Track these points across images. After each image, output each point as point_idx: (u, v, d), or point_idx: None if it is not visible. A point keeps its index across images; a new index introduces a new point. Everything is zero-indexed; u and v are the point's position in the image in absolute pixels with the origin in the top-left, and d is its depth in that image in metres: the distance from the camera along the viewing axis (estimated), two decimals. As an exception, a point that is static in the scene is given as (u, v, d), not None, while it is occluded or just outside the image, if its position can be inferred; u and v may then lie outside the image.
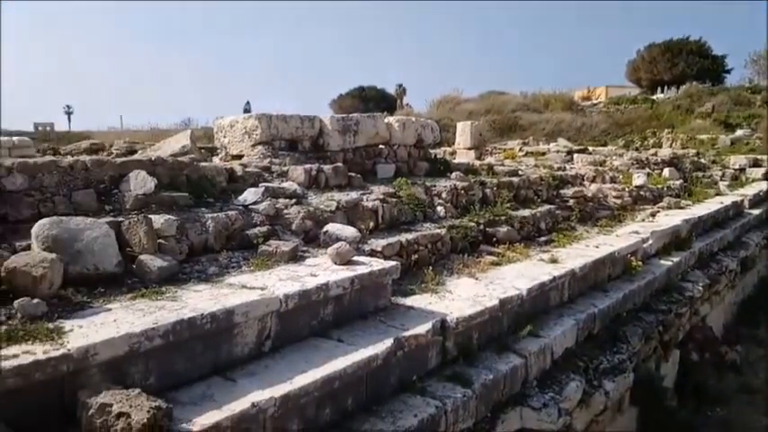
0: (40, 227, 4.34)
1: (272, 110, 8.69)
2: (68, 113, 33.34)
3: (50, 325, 3.68)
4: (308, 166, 7.96)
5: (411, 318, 5.57)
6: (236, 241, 5.85)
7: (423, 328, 5.27)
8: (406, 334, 5.12)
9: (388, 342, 4.89)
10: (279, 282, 4.98)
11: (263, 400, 3.80)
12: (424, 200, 8.48)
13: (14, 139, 7.77)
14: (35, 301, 3.81)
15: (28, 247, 4.31)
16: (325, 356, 4.53)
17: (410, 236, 7.29)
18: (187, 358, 4.03)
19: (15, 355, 3.25)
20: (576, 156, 17.22)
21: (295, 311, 4.77)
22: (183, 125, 24.40)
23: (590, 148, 18.91)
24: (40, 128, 25.16)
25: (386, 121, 9.97)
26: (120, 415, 3.14)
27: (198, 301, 4.37)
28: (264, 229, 6.11)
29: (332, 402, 4.41)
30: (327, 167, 8.10)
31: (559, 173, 12.97)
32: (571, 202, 11.52)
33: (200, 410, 3.60)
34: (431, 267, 6.86)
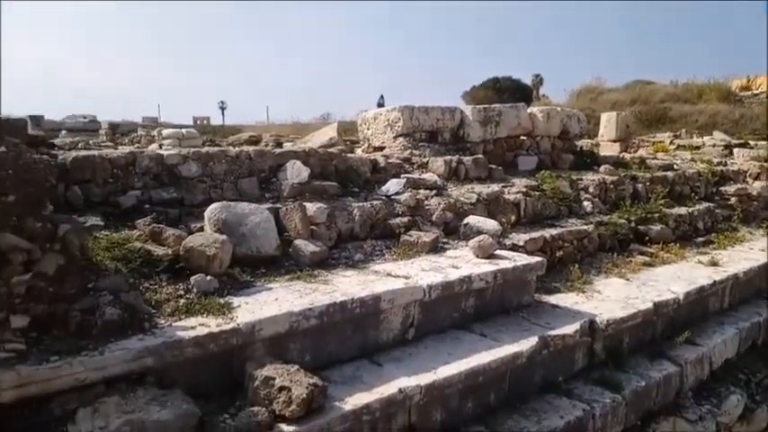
0: (211, 211, 4.75)
1: (402, 103, 8.76)
2: (222, 108, 36.35)
3: (221, 300, 4.02)
4: (447, 157, 7.95)
5: (556, 316, 5.39)
6: (379, 230, 6.00)
7: (570, 328, 5.09)
8: (552, 333, 4.97)
9: (533, 340, 4.78)
10: (422, 272, 5.04)
11: (410, 387, 3.87)
12: (569, 194, 8.12)
13: (183, 130, 8.61)
14: (208, 277, 4.18)
15: (201, 229, 4.73)
16: (468, 349, 4.52)
17: (554, 231, 7.03)
18: (338, 339, 4.22)
19: (193, 327, 3.60)
20: (735, 150, 15.55)
21: (437, 302, 4.81)
22: (321, 119, 25.47)
23: (751, 142, 16.96)
24: (198, 121, 27.58)
25: (528, 111, 9.67)
26: (281, 389, 3.35)
27: (348, 285, 4.55)
28: (406, 219, 6.20)
29: (474, 396, 4.40)
30: (467, 159, 8.04)
31: (719, 168, 11.80)
32: (733, 200, 10.45)
33: (350, 390, 3.75)
34: (576, 265, 6.57)
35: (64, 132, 10.61)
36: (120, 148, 6.19)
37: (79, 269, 3.45)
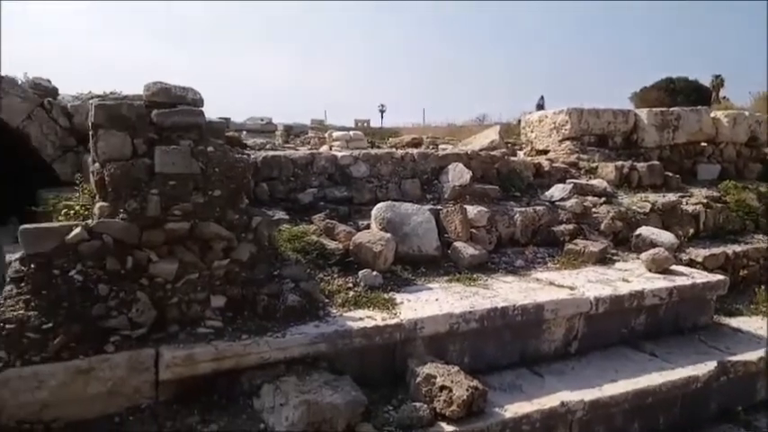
0: (378, 209, 4.98)
1: (563, 105, 8.41)
2: (382, 111, 37.61)
3: (386, 296, 4.20)
4: (618, 163, 7.51)
5: (738, 341, 4.90)
6: (542, 236, 5.85)
7: (752, 355, 4.62)
8: (733, 359, 4.52)
9: (711, 364, 4.38)
10: (588, 283, 4.83)
11: (573, 402, 3.75)
12: (756, 207, 7.27)
13: (351, 133, 9.08)
14: (374, 273, 4.39)
15: (368, 227, 4.98)
16: (637, 369, 4.27)
17: (738, 248, 6.35)
18: (497, 345, 4.20)
19: (361, 318, 3.81)
20: None
21: (604, 316, 4.59)
22: (477, 121, 25.27)
23: None
24: (358, 123, 28.82)
25: (711, 115, 8.80)
26: (442, 388, 3.42)
27: (508, 291, 4.51)
28: (571, 226, 5.98)
29: (641, 418, 4.14)
30: (641, 165, 7.53)
31: None
32: None
33: (509, 398, 3.72)
34: (763, 287, 5.89)
35: (245, 133, 11.71)
36: (299, 149, 6.73)
37: (267, 257, 3.81)
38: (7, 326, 2.93)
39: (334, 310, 3.88)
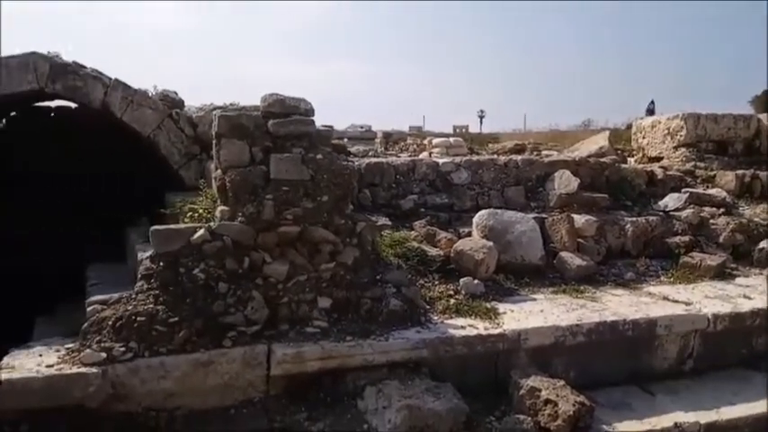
0: (480, 217, 4.95)
1: (675, 110, 7.89)
2: (481, 117, 37.21)
3: (487, 305, 4.16)
4: (739, 171, 6.98)
5: None
6: (654, 248, 5.56)
7: None
8: None
9: None
10: (705, 298, 4.54)
11: (687, 423, 3.54)
12: None
13: (451, 139, 9.09)
14: (475, 281, 4.37)
15: (469, 234, 4.96)
16: (758, 392, 3.95)
17: None
18: (605, 361, 4.04)
19: (463, 327, 3.80)
20: None
21: (723, 334, 4.29)
22: (582, 126, 24.32)
23: None
24: (457, 130, 28.72)
25: None
26: (547, 401, 3.34)
27: (617, 305, 4.33)
28: (686, 238, 5.63)
29: (766, 447, 3.81)
30: (764, 174, 6.94)
31: None
32: None
33: (618, 416, 3.56)
34: None
35: (346, 140, 12.04)
36: (400, 156, 6.82)
37: (370, 262, 3.91)
38: (138, 318, 3.21)
39: (436, 317, 3.90)
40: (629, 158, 8.17)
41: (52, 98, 5.62)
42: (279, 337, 3.44)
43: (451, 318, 3.94)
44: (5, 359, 3.11)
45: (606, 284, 4.85)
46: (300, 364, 3.34)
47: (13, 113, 7.10)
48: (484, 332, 3.74)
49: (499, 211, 5.10)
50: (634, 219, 5.66)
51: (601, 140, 7.68)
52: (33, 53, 4.67)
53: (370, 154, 6.48)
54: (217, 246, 3.49)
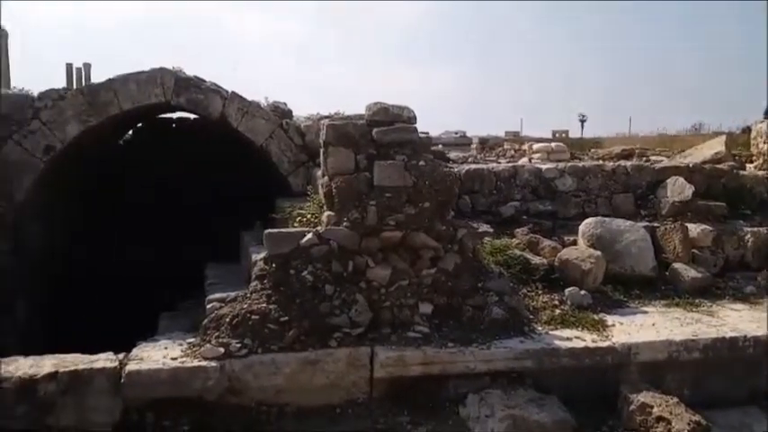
0: (586, 225, 4.79)
1: None
2: (582, 121, 35.78)
3: (595, 316, 4.02)
4: None
5: None
6: (779, 261, 5.12)
7: None
8: None
9: None
10: (840, 317, 4.12)
11: (821, 454, 3.23)
12: None
13: (552, 144, 8.84)
14: (582, 291, 4.23)
15: (574, 242, 4.81)
16: None
17: None
18: (723, 379, 3.78)
19: (569, 338, 3.70)
20: None
21: None
22: (693, 130, 22.78)
23: None
24: (556, 134, 27.84)
25: None
26: (659, 419, 3.18)
27: (737, 320, 4.05)
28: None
29: None
30: None
31: None
32: None
33: (739, 440, 3.33)
34: None
35: (440, 147, 12.02)
36: (500, 162, 6.73)
37: (471, 269, 3.90)
38: (253, 317, 3.40)
39: (540, 327, 3.83)
40: (747, 165, 7.56)
41: (174, 110, 6.07)
42: (381, 340, 3.51)
43: (557, 329, 3.85)
44: (134, 350, 3.39)
45: (724, 298, 4.55)
46: (403, 367, 3.39)
47: (139, 125, 7.74)
48: (592, 344, 3.62)
49: (607, 219, 4.92)
50: (755, 229, 5.27)
51: (717, 145, 7.17)
52: (161, 69, 5.09)
53: (469, 160, 6.46)
54: (324, 249, 3.63)
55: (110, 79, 5.03)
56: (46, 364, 3.17)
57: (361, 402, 3.41)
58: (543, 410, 3.17)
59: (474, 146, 16.12)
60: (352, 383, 3.42)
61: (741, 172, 6.25)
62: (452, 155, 6.72)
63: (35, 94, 5.03)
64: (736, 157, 7.78)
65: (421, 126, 4.04)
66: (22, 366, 3.17)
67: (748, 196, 5.89)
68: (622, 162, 5.87)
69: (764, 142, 7.68)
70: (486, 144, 15.77)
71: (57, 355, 3.31)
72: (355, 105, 4.00)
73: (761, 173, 6.66)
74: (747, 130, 9.21)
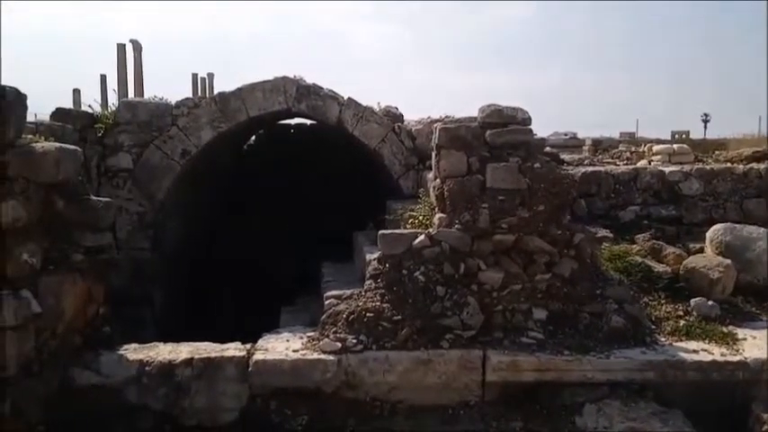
0: (714, 231, 4.48)
1: None
2: (705, 121, 33.05)
3: (724, 329, 3.76)
4: None
5: None
6: None
7: None
8: None
9: None
10: None
11: None
12: None
13: (675, 146, 8.28)
14: (710, 302, 3.96)
15: (701, 250, 4.51)
16: None
17: None
18: None
19: (695, 351, 3.49)
20: None
21: None
22: (840, 128, 20.42)
23: None
24: (676, 135, 26.05)
25: None
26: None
27: None
28: None
29: None
30: None
31: None
32: None
33: None
34: None
35: (548, 149, 11.64)
36: (618, 164, 6.44)
37: (589, 275, 3.78)
38: (368, 314, 3.51)
39: (662, 338, 3.64)
40: None
41: (294, 116, 6.40)
42: (493, 343, 3.50)
43: (681, 340, 3.64)
44: (260, 342, 3.62)
45: None
46: (516, 372, 3.36)
47: (260, 131, 8.21)
48: (720, 358, 3.40)
49: (737, 225, 4.56)
50: None
51: None
52: (284, 77, 5.39)
53: (585, 162, 6.22)
54: (435, 251, 3.67)
55: (238, 88, 5.40)
56: (183, 351, 3.48)
57: (473, 405, 3.42)
58: (666, 425, 3.03)
59: (586, 147, 15.49)
60: (463, 385, 3.44)
61: None
62: (565, 157, 6.51)
63: (172, 102, 5.50)
64: None
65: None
66: (162, 352, 3.50)
67: None
68: (755, 165, 5.40)
69: None
70: (600, 146, 15.08)
71: (191, 343, 3.61)
72: (464, 108, 4.02)
73: None
74: None
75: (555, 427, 3.20)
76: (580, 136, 19.02)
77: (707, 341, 3.62)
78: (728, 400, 3.40)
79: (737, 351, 3.49)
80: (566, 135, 19.81)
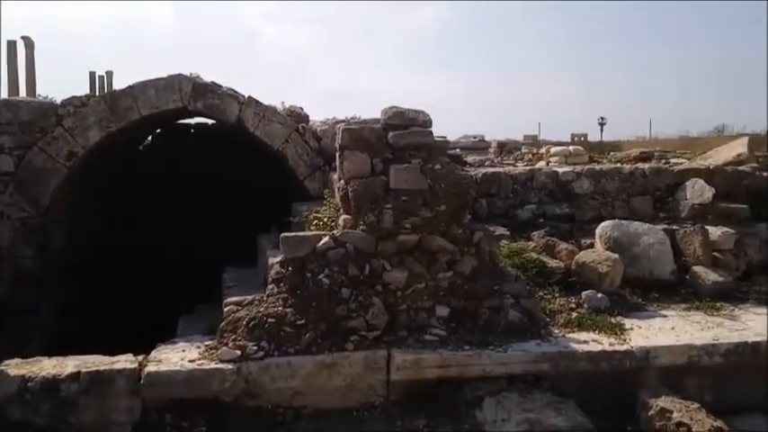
0: (603, 228, 4.75)
1: None
2: (601, 124, 35.31)
3: (612, 320, 3.98)
4: None
5: None
6: (804, 265, 5.01)
7: None
8: None
9: None
10: None
11: None
12: None
13: (570, 148, 8.79)
14: (599, 294, 4.20)
15: (591, 245, 4.77)
16: None
17: None
18: (746, 385, 3.71)
19: (586, 341, 3.67)
20: None
21: None
22: (715, 132, 22.42)
23: None
24: (575, 138, 27.54)
25: None
26: (679, 425, 3.13)
27: (761, 325, 3.97)
28: None
29: None
30: None
31: None
32: None
33: (762, 447, 3.26)
34: None
35: (458, 151, 11.97)
36: (517, 165, 6.73)
37: (488, 272, 3.89)
38: (269, 320, 3.43)
39: (556, 330, 3.80)
40: (773, 166, 7.42)
41: (192, 115, 6.17)
42: (398, 343, 3.52)
43: (574, 332, 3.82)
44: (153, 353, 3.45)
45: (746, 302, 4.47)
46: (419, 370, 3.39)
47: (158, 131, 7.86)
48: (609, 348, 3.59)
49: (624, 222, 4.87)
50: (779, 232, 5.16)
51: (739, 147, 7.04)
52: (179, 75, 5.18)
53: (486, 164, 6.45)
54: (340, 253, 3.65)
55: (130, 86, 5.14)
56: (69, 365, 3.25)
57: (378, 405, 3.42)
58: (560, 415, 3.15)
59: (492, 150, 16.06)
60: (368, 386, 3.43)
61: (765, 174, 6.13)
62: (470, 158, 6.71)
63: (59, 101, 5.15)
64: (760, 159, 7.65)
65: (439, 130, 4.06)
66: (46, 367, 3.25)
67: (772, 198, 5.77)
68: (640, 165, 5.81)
69: (789, 144, 7.54)
70: (505, 148, 15.69)
71: (79, 356, 3.38)
72: (373, 111, 4.06)
73: (785, 175, 6.53)
74: (771, 131, 9.07)
75: (456, 423, 3.25)
76: (487, 138, 19.71)
77: (597, 332, 3.81)
78: (618, 389, 3.57)
79: (625, 341, 3.69)
80: (474, 138, 20.45)
